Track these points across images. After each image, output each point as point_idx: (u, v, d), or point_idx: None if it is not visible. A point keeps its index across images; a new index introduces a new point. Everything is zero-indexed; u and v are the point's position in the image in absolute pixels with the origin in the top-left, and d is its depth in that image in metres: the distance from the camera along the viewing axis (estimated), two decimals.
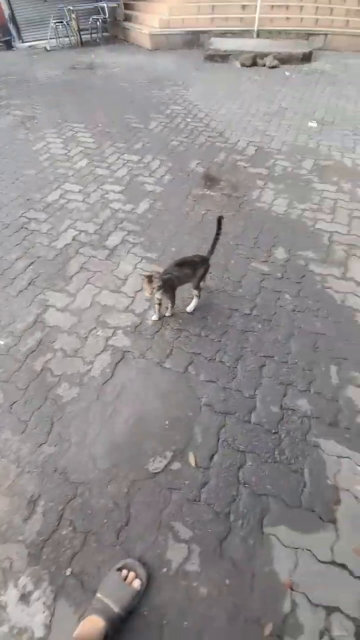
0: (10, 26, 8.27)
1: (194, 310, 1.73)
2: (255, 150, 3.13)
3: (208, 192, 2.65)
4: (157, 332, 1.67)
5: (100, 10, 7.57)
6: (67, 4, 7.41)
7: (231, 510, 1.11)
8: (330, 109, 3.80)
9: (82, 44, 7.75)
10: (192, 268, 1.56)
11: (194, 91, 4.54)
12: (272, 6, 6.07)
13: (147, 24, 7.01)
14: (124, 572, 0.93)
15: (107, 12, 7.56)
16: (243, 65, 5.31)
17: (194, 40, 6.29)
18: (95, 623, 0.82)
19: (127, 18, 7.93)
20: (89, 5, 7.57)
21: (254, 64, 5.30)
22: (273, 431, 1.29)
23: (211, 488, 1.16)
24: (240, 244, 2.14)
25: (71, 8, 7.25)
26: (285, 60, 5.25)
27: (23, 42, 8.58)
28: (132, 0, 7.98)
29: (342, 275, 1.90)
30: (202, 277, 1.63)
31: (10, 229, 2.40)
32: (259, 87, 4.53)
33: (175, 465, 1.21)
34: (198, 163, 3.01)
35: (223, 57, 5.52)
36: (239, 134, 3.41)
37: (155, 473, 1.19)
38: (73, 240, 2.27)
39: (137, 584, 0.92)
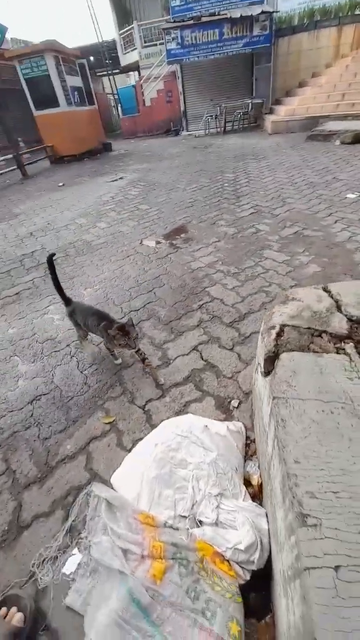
0: (182, 119, 10.98)
1: None
2: (251, 213, 2.85)
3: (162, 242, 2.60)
4: None
5: (245, 106, 8.94)
6: (222, 102, 9.18)
7: None
8: None
9: (225, 132, 9.25)
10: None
11: (259, 164, 4.59)
12: None
13: (279, 114, 7.73)
14: (4, 609, 0.75)
15: (250, 107, 8.83)
16: (343, 142, 4.97)
17: (312, 124, 6.42)
18: None
19: (271, 111, 8.97)
20: (238, 102, 9.08)
21: (356, 141, 4.87)
22: None
23: None
24: None
25: (223, 105, 8.93)
26: None
27: (187, 131, 11.12)
28: (283, 96, 9.05)
29: None
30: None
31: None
32: (330, 161, 4.11)
33: None
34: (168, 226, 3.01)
35: (325, 137, 5.35)
36: (258, 198, 3.20)
37: None
38: None
39: (18, 617, 0.72)
